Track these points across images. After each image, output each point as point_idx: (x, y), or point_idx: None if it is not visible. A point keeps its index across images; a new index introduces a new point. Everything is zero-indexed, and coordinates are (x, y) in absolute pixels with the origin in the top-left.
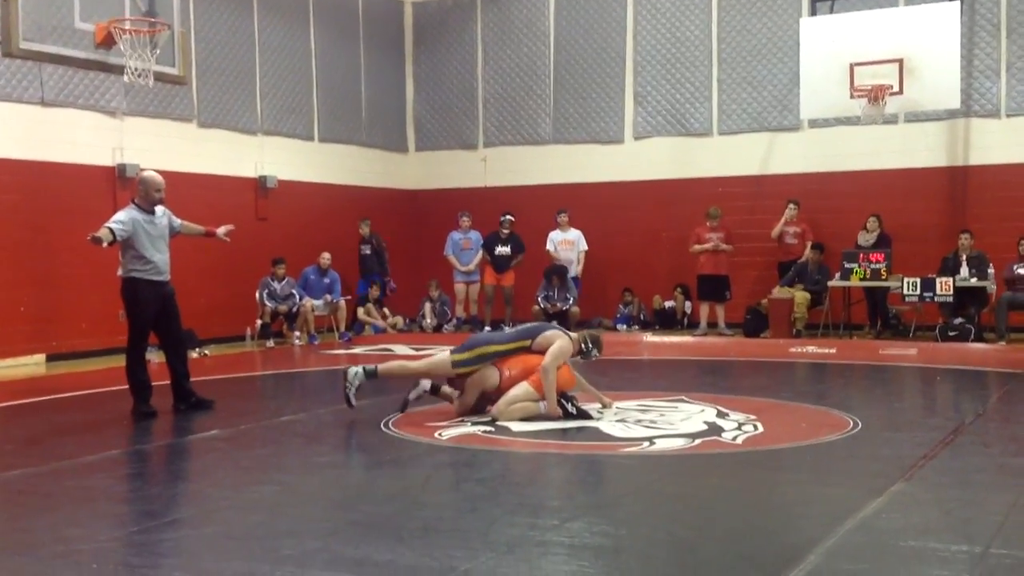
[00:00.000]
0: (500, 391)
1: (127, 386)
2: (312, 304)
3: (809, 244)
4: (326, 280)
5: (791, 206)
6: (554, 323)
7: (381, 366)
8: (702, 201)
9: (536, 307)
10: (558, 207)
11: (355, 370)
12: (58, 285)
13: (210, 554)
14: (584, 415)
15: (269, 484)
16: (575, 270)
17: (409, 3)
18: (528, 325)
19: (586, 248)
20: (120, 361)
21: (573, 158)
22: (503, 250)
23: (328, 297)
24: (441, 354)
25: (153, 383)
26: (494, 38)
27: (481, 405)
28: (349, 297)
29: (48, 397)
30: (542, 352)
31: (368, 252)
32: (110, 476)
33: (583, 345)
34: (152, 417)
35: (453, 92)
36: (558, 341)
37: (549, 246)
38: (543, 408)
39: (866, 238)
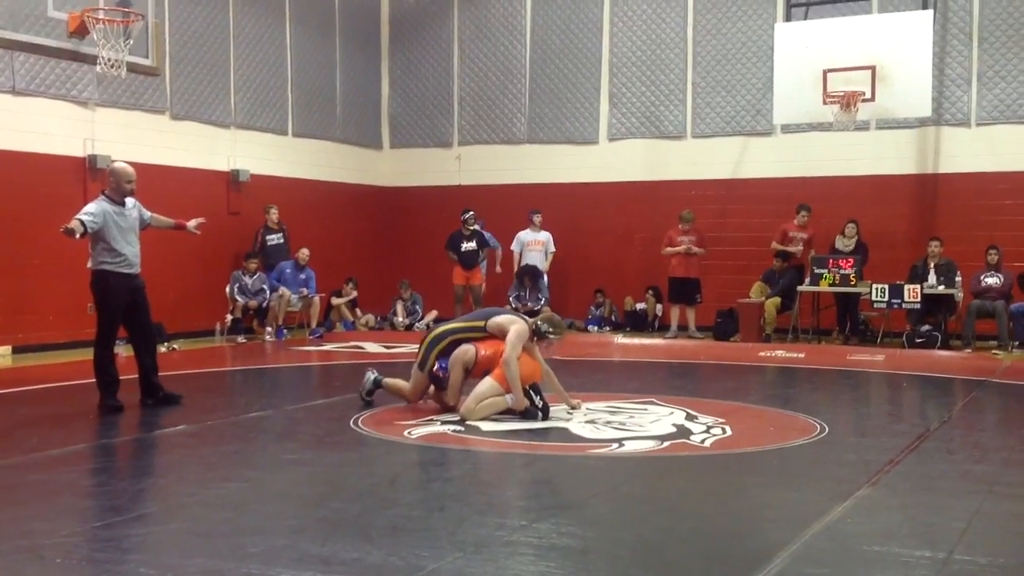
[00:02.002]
0: (478, 367)
1: (94, 379)
2: (288, 295)
3: (812, 251)
4: (302, 276)
5: (802, 213)
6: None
7: (385, 380)
8: (675, 203)
9: (508, 307)
10: (531, 207)
11: (369, 375)
12: (25, 276)
13: (175, 550)
14: (547, 410)
15: (236, 481)
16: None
17: None
18: (484, 309)
19: (554, 251)
20: (87, 354)
21: (547, 158)
22: (469, 246)
23: (304, 291)
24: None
25: (121, 377)
26: (470, 36)
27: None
28: (323, 294)
29: (14, 389)
30: (497, 336)
31: (281, 241)
32: (75, 470)
33: (536, 326)
34: (119, 411)
35: (428, 89)
36: (513, 326)
37: (515, 246)
38: (510, 401)
39: (844, 243)
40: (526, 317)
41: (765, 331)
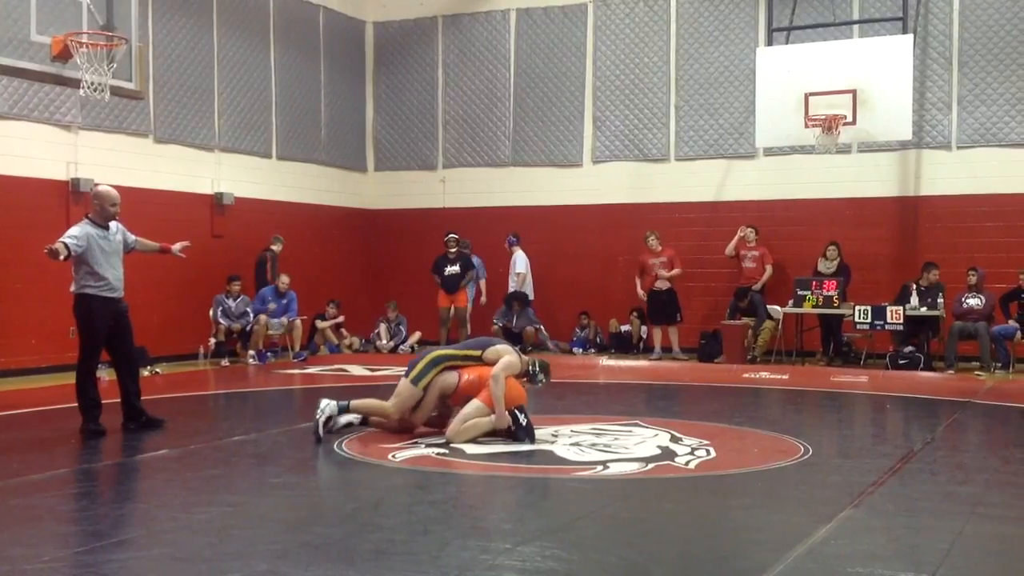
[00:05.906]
0: (457, 394)
1: (76, 404)
2: (268, 321)
3: (768, 268)
4: (283, 300)
5: (749, 230)
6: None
7: (354, 402)
8: (659, 226)
9: (495, 327)
10: (517, 229)
11: (327, 403)
12: (7, 300)
13: None
14: (532, 431)
15: (218, 505)
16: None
17: (370, 23)
18: (480, 338)
19: (520, 271)
20: (69, 378)
21: (532, 181)
22: (452, 269)
23: (289, 314)
24: (400, 384)
25: (103, 401)
26: (455, 60)
27: (438, 420)
28: (305, 317)
29: None
30: (493, 364)
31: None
32: (57, 495)
33: (530, 367)
34: (101, 435)
35: (413, 112)
36: (507, 356)
37: (521, 268)
38: (495, 420)
39: (827, 266)
40: (522, 355)
41: (754, 352)
